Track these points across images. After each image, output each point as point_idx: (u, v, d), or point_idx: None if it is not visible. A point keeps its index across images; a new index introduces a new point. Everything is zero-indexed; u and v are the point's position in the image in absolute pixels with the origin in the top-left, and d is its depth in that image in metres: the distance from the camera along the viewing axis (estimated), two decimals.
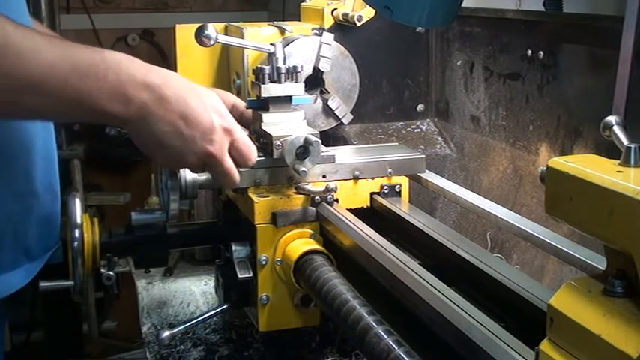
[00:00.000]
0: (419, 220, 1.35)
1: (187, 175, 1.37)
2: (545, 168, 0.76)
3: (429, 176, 1.52)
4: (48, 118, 1.16)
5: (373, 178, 1.48)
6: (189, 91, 1.18)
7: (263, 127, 1.45)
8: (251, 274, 1.38)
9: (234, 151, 1.25)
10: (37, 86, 1.04)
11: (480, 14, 1.79)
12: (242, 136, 1.26)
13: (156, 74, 1.14)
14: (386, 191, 1.48)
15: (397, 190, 1.48)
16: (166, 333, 1.41)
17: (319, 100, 1.80)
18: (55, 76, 1.05)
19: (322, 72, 1.78)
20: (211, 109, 1.20)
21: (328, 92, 1.81)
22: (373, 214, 1.45)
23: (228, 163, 1.25)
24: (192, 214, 1.95)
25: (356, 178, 1.46)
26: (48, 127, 1.37)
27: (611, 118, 0.86)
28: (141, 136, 1.16)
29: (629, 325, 0.64)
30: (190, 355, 1.57)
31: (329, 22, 1.86)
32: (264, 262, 1.36)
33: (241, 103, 1.44)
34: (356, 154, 1.53)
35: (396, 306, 1.11)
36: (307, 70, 1.75)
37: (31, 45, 1.03)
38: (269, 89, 1.47)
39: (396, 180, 1.49)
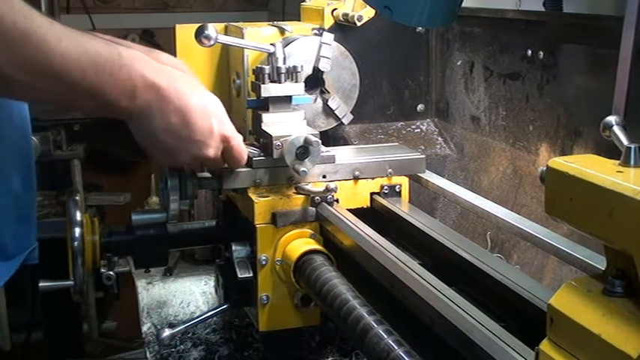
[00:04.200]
0: (419, 220, 1.35)
1: (187, 175, 1.37)
2: (545, 168, 0.76)
3: (429, 176, 1.52)
4: (53, 104, 1.19)
5: (373, 178, 1.48)
6: (194, 94, 1.23)
7: (263, 127, 1.45)
8: (251, 274, 1.38)
9: (227, 155, 1.31)
10: (57, 75, 1.06)
11: (480, 14, 1.79)
12: (238, 143, 1.31)
13: (164, 75, 1.19)
14: (386, 191, 1.48)
15: (397, 190, 1.48)
16: (166, 333, 1.41)
17: (319, 100, 1.80)
18: (74, 68, 1.07)
19: (322, 72, 1.77)
20: (212, 115, 1.25)
21: (328, 92, 1.81)
22: (373, 214, 1.45)
23: (222, 164, 1.33)
24: (192, 214, 1.95)
25: (356, 178, 1.46)
26: (24, 121, 1.38)
27: (611, 118, 0.86)
28: (139, 130, 1.21)
29: (629, 325, 0.64)
30: (190, 355, 1.57)
31: (329, 22, 1.86)
32: (264, 262, 1.36)
33: None
34: (356, 154, 1.53)
35: (396, 306, 1.11)
36: (307, 70, 1.75)
37: (57, 34, 1.05)
38: (269, 89, 1.47)
39: (396, 180, 1.49)
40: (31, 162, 1.39)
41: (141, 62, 1.16)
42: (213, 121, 1.25)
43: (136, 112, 1.17)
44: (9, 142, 1.33)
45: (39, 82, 1.06)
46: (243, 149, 1.33)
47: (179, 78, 1.22)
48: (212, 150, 1.26)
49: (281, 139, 1.37)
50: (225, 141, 1.28)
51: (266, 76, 1.47)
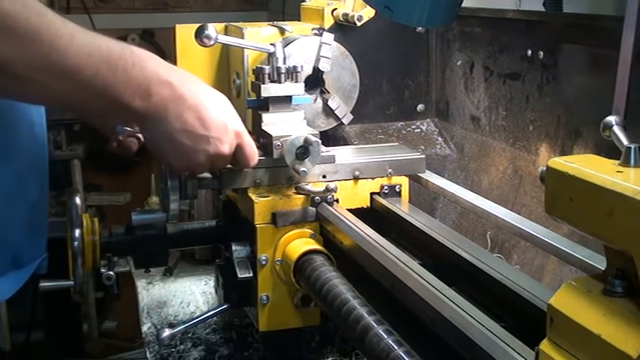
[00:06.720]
0: (419, 220, 1.35)
1: (187, 175, 1.37)
2: (545, 168, 0.76)
3: (429, 176, 1.52)
4: (66, 106, 1.15)
5: (373, 178, 1.48)
6: (206, 92, 1.23)
7: (263, 127, 1.45)
8: (251, 274, 1.38)
9: (239, 153, 1.30)
10: (69, 72, 1.05)
11: (480, 14, 1.79)
12: (249, 139, 1.31)
13: (176, 73, 1.18)
14: (386, 191, 1.48)
15: (397, 190, 1.48)
16: (166, 333, 1.41)
17: (319, 100, 1.80)
18: (87, 65, 1.06)
19: (322, 72, 1.77)
20: (225, 111, 1.25)
21: (328, 92, 1.81)
22: (373, 214, 1.45)
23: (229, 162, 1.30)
24: (192, 214, 1.95)
25: (356, 178, 1.46)
26: (42, 130, 1.37)
27: (611, 118, 0.86)
28: (154, 133, 1.19)
29: (629, 325, 0.64)
30: (190, 355, 1.57)
31: (329, 22, 1.86)
32: (264, 262, 1.36)
33: None
34: (356, 154, 1.53)
35: (396, 306, 1.11)
36: (307, 70, 1.75)
37: (69, 31, 1.04)
38: (269, 89, 1.47)
39: (396, 180, 1.49)
40: (45, 170, 1.39)
41: (153, 60, 1.15)
42: (226, 117, 1.25)
43: (151, 111, 1.15)
44: (29, 151, 1.33)
45: (51, 80, 1.04)
46: (254, 146, 1.33)
47: (189, 76, 1.22)
48: (227, 146, 1.25)
49: (281, 139, 1.37)
50: (238, 137, 1.28)
51: (266, 76, 1.47)
